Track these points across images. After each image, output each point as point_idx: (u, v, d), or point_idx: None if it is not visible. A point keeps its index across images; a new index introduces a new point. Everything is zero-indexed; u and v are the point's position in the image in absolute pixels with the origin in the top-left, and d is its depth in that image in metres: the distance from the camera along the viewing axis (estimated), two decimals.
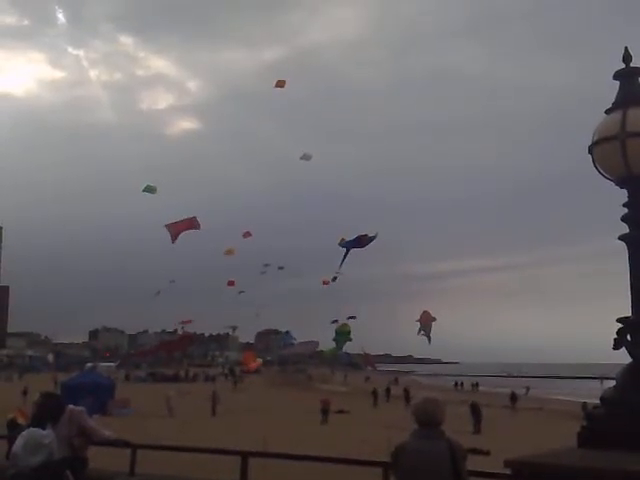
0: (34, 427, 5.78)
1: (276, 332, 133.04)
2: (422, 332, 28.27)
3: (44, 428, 5.73)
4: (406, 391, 46.20)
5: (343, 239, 25.16)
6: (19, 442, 5.67)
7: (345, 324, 36.73)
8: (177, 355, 77.15)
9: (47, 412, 6.02)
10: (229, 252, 38.42)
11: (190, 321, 54.84)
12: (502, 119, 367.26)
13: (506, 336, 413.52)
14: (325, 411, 32.61)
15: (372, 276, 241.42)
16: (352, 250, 25.88)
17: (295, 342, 62.71)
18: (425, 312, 28.17)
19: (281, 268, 50.73)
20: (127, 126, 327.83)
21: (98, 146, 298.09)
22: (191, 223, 25.40)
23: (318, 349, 54.26)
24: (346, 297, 60.89)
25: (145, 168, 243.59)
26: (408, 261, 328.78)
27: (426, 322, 27.35)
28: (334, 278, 40.39)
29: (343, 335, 35.67)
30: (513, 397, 46.27)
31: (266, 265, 47.60)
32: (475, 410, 29.89)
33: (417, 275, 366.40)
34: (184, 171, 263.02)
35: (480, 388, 72.15)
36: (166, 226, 25.05)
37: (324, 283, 42.79)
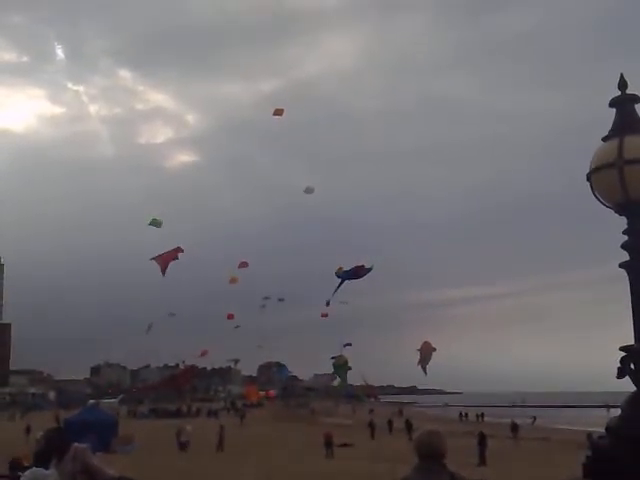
0: (38, 465, 5.71)
1: (278, 365, 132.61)
2: (421, 363, 27.99)
3: (48, 466, 5.66)
4: (408, 423, 46.19)
5: (341, 268, 25.01)
6: None
7: (341, 356, 36.34)
8: (180, 390, 76.61)
9: (52, 448, 5.94)
10: (233, 281, 38.20)
11: (207, 351, 54.07)
12: (497, 143, 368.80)
13: (509, 364, 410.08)
14: (329, 444, 32.42)
15: (374, 304, 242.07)
16: (349, 280, 25.79)
17: (288, 374, 62.58)
18: (425, 342, 27.88)
19: (281, 300, 50.68)
20: (126, 159, 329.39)
21: (98, 180, 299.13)
22: (175, 252, 25.57)
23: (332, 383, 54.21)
24: (348, 327, 60.82)
25: (144, 200, 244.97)
26: (411, 288, 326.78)
27: (426, 352, 27.02)
28: (327, 302, 40.45)
29: (342, 367, 35.32)
30: (514, 427, 45.78)
31: (266, 298, 47.54)
32: (482, 441, 29.57)
33: (418, 303, 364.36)
34: (183, 202, 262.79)
35: (485, 418, 71.47)
36: (153, 259, 25.22)
37: (322, 316, 42.76)
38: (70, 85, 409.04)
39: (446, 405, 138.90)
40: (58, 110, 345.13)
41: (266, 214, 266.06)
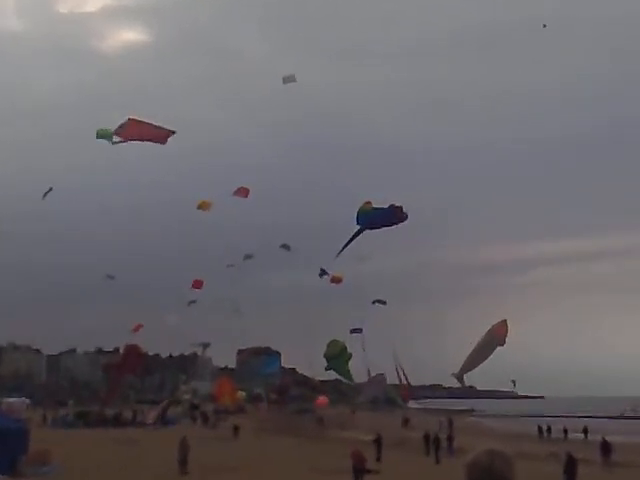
0: None
1: (268, 352, 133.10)
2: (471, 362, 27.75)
3: None
4: (450, 438, 47.23)
5: (369, 204, 23.96)
6: None
7: (335, 341, 36.24)
8: (116, 386, 77.43)
9: None
10: (204, 206, 37.44)
11: (140, 326, 54.77)
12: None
13: (615, 358, 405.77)
14: (359, 472, 32.38)
15: (406, 267, 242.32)
16: (373, 228, 25.12)
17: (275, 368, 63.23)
18: (499, 325, 27.42)
19: (285, 247, 49.26)
20: (42, 38, 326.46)
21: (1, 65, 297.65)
22: (160, 134, 25.77)
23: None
24: (370, 298, 60.31)
25: (70, 99, 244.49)
26: (460, 244, 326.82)
27: (499, 336, 26.78)
28: (321, 273, 40.49)
29: (339, 357, 35.25)
30: (605, 447, 45.62)
31: (247, 257, 47.41)
32: (569, 468, 29.92)
33: (475, 265, 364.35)
34: (126, 102, 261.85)
35: (575, 435, 72.32)
36: (129, 121, 25.45)
37: (334, 281, 42.82)
38: None
39: (519, 416, 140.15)
40: None
41: (243, 117, 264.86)
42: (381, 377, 70.57)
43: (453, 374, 25.48)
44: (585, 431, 71.97)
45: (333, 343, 35.86)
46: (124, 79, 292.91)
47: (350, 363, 38.11)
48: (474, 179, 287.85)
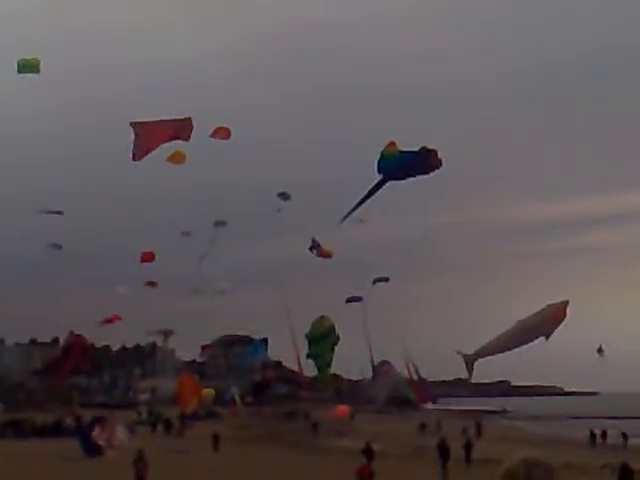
0: None
1: (244, 340, 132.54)
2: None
3: None
4: (468, 445, 49.22)
5: (394, 145, 23.22)
6: None
7: (322, 318, 35.57)
8: (59, 385, 77.60)
9: None
10: (176, 158, 36.86)
11: (117, 317, 54.24)
12: None
13: None
14: None
15: (420, 229, 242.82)
16: (397, 179, 24.73)
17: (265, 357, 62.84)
18: (559, 306, 26.67)
19: (284, 196, 48.55)
20: None
21: None
22: (179, 126, 25.93)
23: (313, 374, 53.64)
24: (375, 271, 59.95)
25: None
26: (492, 200, 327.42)
27: (551, 322, 26.23)
28: (313, 246, 40.17)
29: (322, 340, 34.63)
30: None
31: (219, 224, 47.06)
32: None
33: (506, 226, 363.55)
34: (71, 22, 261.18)
35: (635, 440, 72.70)
36: (134, 127, 25.52)
37: (322, 254, 42.58)
38: None
39: (565, 418, 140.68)
40: None
41: (225, 50, 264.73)
42: (388, 367, 70.33)
43: (462, 353, 24.52)
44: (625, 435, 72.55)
45: (319, 321, 35.31)
46: None
47: (336, 350, 37.26)
48: (505, 122, 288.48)
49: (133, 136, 25.68)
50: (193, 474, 44.40)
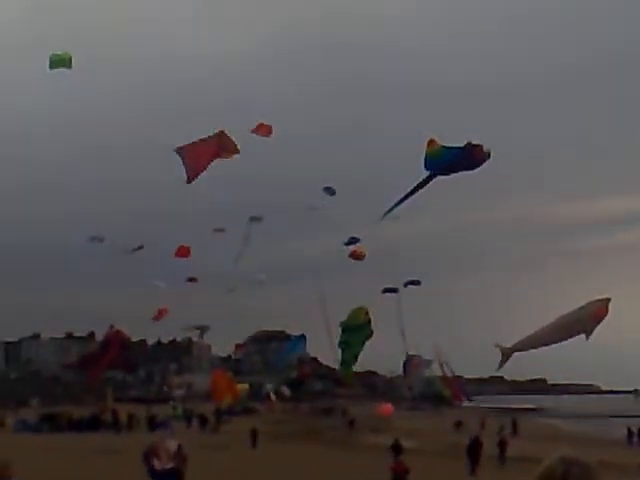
0: None
1: (281, 337, 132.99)
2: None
3: None
4: (502, 443, 49.82)
5: (433, 143, 23.00)
6: None
7: (360, 308, 35.11)
8: (95, 380, 77.90)
9: None
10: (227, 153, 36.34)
11: (165, 311, 54.06)
12: None
13: None
14: None
15: (456, 226, 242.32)
16: (446, 174, 24.52)
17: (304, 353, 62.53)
18: (601, 303, 26.19)
19: (330, 191, 47.88)
20: None
21: None
22: (220, 143, 26.10)
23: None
24: (409, 269, 59.91)
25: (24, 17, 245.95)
26: (530, 198, 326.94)
27: (593, 319, 25.69)
28: (350, 241, 39.93)
29: (358, 331, 34.13)
30: None
31: (254, 219, 46.94)
32: None
33: (547, 225, 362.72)
34: (98, 21, 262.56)
35: None
36: (179, 151, 25.75)
37: (354, 256, 42.51)
38: None
39: (603, 416, 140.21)
40: None
41: (252, 45, 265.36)
42: (419, 360, 70.03)
43: (499, 346, 24.19)
44: None
45: (356, 311, 34.88)
46: None
47: (367, 346, 36.76)
48: (545, 118, 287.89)
49: (181, 161, 25.95)
50: (231, 469, 44.35)
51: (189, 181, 25.64)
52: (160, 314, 49.37)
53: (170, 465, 28.70)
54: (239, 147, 27.10)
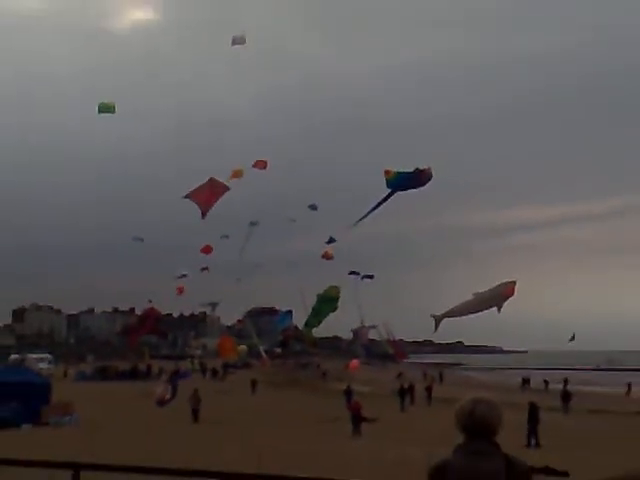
0: None
1: (271, 311, 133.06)
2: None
3: None
4: (428, 388, 52.24)
5: (389, 172, 23.16)
6: None
7: (334, 287, 34.87)
8: (134, 344, 78.09)
9: None
10: (237, 174, 35.91)
11: (182, 289, 53.50)
12: None
13: (595, 314, 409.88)
14: (356, 419, 33.81)
15: (402, 232, 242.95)
16: (401, 191, 24.54)
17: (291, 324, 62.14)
18: (510, 284, 26.13)
19: (313, 207, 47.78)
20: (58, 16, 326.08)
21: (20, 42, 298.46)
22: (215, 188, 26.15)
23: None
24: (366, 261, 60.49)
25: (84, 72, 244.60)
26: (453, 209, 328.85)
27: (503, 296, 25.46)
28: (330, 240, 40.02)
29: (328, 303, 33.87)
30: (565, 395, 47.20)
31: (252, 224, 46.72)
32: (532, 415, 29.92)
33: (467, 229, 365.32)
34: (138, 78, 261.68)
35: (556, 386, 72.50)
36: (189, 197, 25.86)
37: (325, 257, 42.49)
38: None
39: (504, 368, 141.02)
40: None
41: (254, 95, 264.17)
42: (365, 330, 70.20)
43: (433, 315, 24.40)
44: (565, 382, 72.32)
45: (332, 288, 34.76)
46: (132, 54, 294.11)
47: (332, 315, 36.38)
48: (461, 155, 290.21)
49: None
50: (237, 408, 44.31)
51: (203, 217, 25.76)
52: (180, 291, 49.32)
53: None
54: (230, 185, 27.33)
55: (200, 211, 25.62)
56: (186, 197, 25.92)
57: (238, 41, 29.08)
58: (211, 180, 26.32)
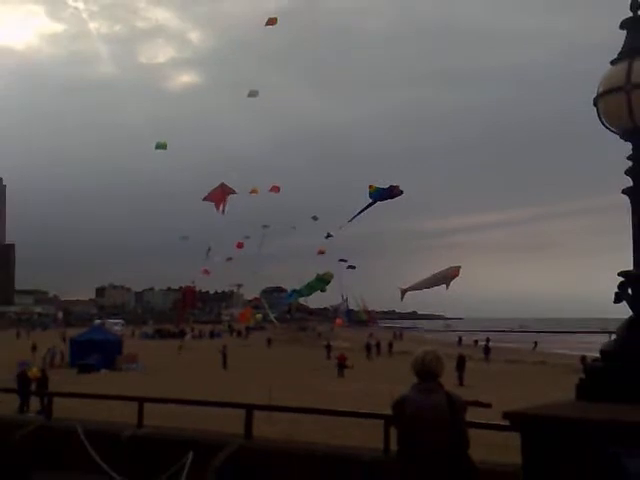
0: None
1: (279, 290, 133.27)
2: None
3: None
4: (390, 344, 52.62)
5: (372, 186, 23.77)
6: None
7: (330, 273, 34.77)
8: (183, 312, 78.30)
9: None
10: (254, 191, 36.24)
11: (208, 271, 52.92)
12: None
13: (511, 292, 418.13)
14: (341, 366, 34.35)
15: (375, 232, 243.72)
16: (380, 201, 24.66)
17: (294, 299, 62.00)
18: (456, 268, 25.83)
19: (314, 218, 47.41)
20: (127, 79, 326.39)
21: (98, 99, 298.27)
22: (225, 190, 26.20)
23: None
24: (348, 252, 60.81)
25: (145, 121, 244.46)
26: (412, 216, 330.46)
27: (449, 277, 25.15)
28: (327, 235, 39.90)
29: (321, 282, 33.75)
30: (487, 349, 48.12)
31: (265, 227, 46.36)
32: (460, 364, 30.21)
33: (422, 231, 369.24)
34: (186, 125, 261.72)
35: (482, 344, 72.58)
36: (205, 199, 25.93)
37: (319, 253, 42.42)
38: (70, 1, 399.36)
39: (447, 327, 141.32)
40: (58, 27, 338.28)
41: (267, 139, 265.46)
42: (342, 303, 70.80)
43: (400, 288, 24.38)
44: (487, 340, 72.33)
45: (327, 272, 34.72)
46: (181, 108, 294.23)
47: (319, 291, 36.06)
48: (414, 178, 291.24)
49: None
50: (255, 358, 44.23)
51: (217, 209, 25.86)
52: (206, 272, 48.87)
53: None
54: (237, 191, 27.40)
55: (215, 208, 25.82)
56: (205, 200, 26.13)
57: (252, 94, 29.11)
58: (222, 184, 26.42)
